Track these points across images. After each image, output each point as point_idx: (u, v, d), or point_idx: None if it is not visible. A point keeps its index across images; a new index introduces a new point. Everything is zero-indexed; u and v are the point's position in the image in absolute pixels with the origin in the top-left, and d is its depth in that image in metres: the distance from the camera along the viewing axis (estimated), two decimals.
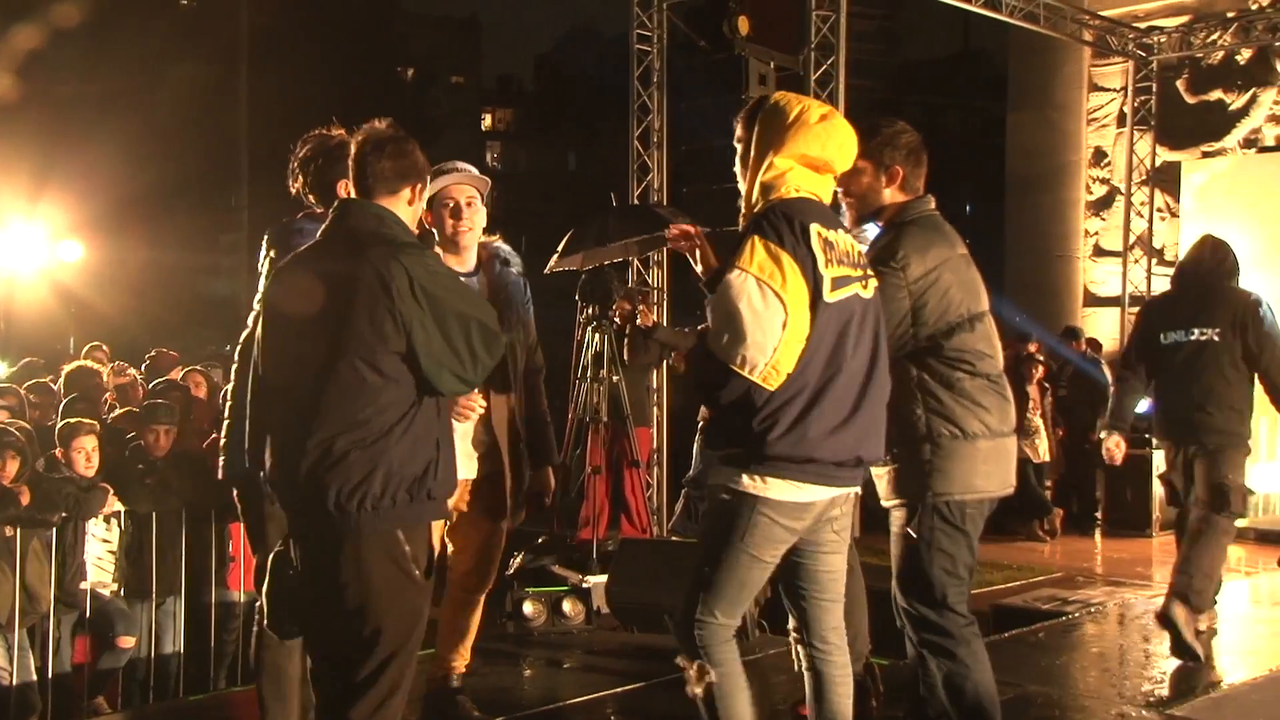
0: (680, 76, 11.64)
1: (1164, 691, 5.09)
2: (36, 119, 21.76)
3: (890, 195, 3.74)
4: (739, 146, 3.41)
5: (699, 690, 3.25)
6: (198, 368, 8.98)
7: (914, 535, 3.64)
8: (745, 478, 3.16)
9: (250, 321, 3.81)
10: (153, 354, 9.75)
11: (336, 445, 3.11)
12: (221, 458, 4.04)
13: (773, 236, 3.14)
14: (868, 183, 3.72)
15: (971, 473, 3.62)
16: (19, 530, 5.77)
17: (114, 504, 6.20)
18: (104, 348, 10.57)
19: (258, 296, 3.72)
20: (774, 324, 3.07)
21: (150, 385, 8.02)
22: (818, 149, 3.29)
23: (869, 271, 3.40)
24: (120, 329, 18.82)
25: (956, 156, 41.12)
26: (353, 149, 3.35)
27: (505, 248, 4.40)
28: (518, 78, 56.91)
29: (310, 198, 3.95)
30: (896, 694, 4.76)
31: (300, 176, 3.95)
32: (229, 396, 4.07)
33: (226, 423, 4.01)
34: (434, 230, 4.19)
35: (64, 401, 7.31)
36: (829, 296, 3.17)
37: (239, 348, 3.93)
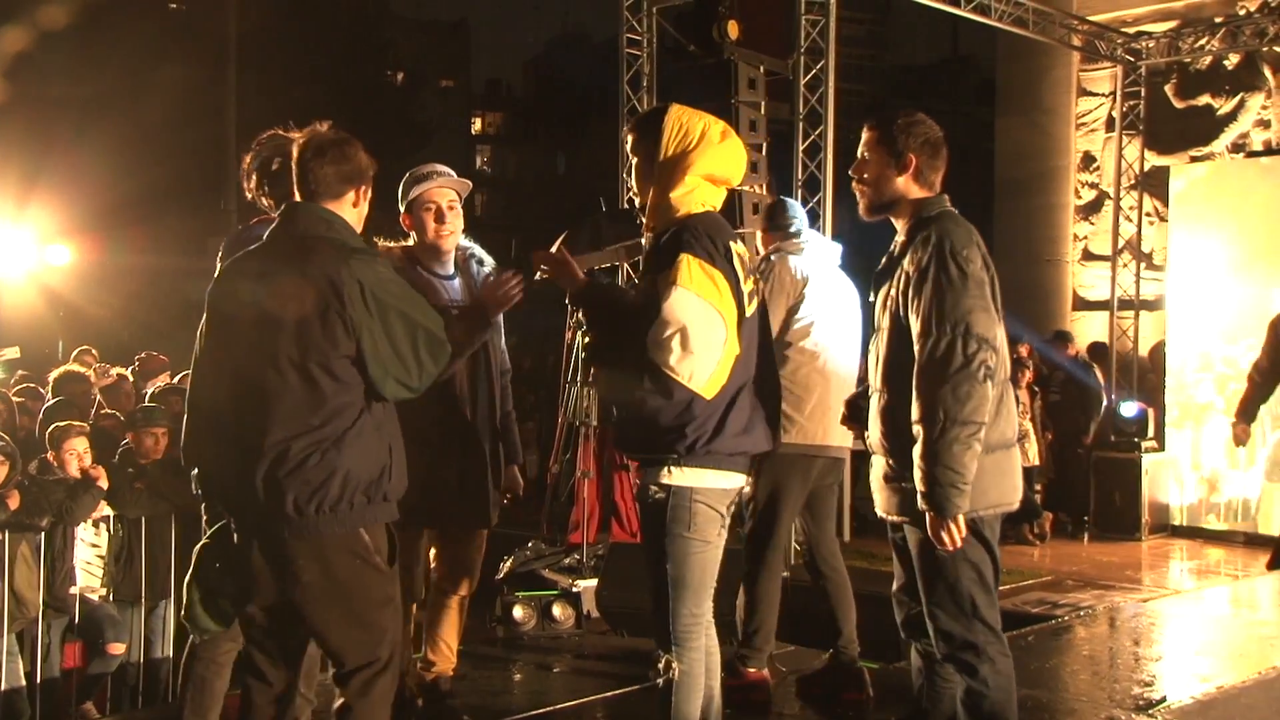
0: (670, 81, 11.65)
1: (1153, 694, 5.11)
2: (24, 122, 21.68)
3: (904, 185, 3.57)
4: (634, 158, 3.59)
5: (660, 682, 3.47)
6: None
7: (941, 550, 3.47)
8: (679, 472, 3.42)
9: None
10: (142, 356, 9.71)
11: (293, 449, 3.14)
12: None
13: (703, 255, 3.36)
14: (879, 170, 3.59)
15: (992, 487, 3.48)
16: (7, 534, 5.76)
17: (103, 508, 6.18)
18: (93, 351, 10.54)
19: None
20: (717, 339, 3.34)
21: (142, 389, 8.00)
22: (720, 166, 3.54)
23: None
24: (109, 332, 18.75)
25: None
26: (294, 153, 3.36)
27: (477, 248, 4.42)
28: (507, 81, 56.92)
29: (265, 201, 3.90)
30: (887, 697, 4.78)
31: (254, 179, 3.91)
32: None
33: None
34: (414, 233, 4.20)
35: (46, 405, 7.27)
36: (748, 312, 3.49)
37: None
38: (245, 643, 3.52)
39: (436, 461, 4.04)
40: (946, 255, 3.38)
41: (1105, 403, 11.92)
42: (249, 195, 3.97)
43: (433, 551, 4.40)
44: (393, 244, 4.32)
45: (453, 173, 4.25)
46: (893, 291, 3.51)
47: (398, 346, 3.21)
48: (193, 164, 25.20)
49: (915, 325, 3.39)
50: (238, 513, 3.33)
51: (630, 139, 3.62)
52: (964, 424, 3.28)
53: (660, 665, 3.46)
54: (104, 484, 6.11)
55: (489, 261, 4.41)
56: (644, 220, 3.57)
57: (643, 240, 3.85)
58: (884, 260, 3.64)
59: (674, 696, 3.44)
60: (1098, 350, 13.00)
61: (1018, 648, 5.98)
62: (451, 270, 4.25)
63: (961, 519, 3.36)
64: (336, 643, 3.29)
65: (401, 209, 4.24)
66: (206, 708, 3.99)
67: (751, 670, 4.73)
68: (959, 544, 3.37)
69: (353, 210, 3.38)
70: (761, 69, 9.87)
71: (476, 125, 53.27)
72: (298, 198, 3.36)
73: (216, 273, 3.74)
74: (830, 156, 10.29)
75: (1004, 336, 3.52)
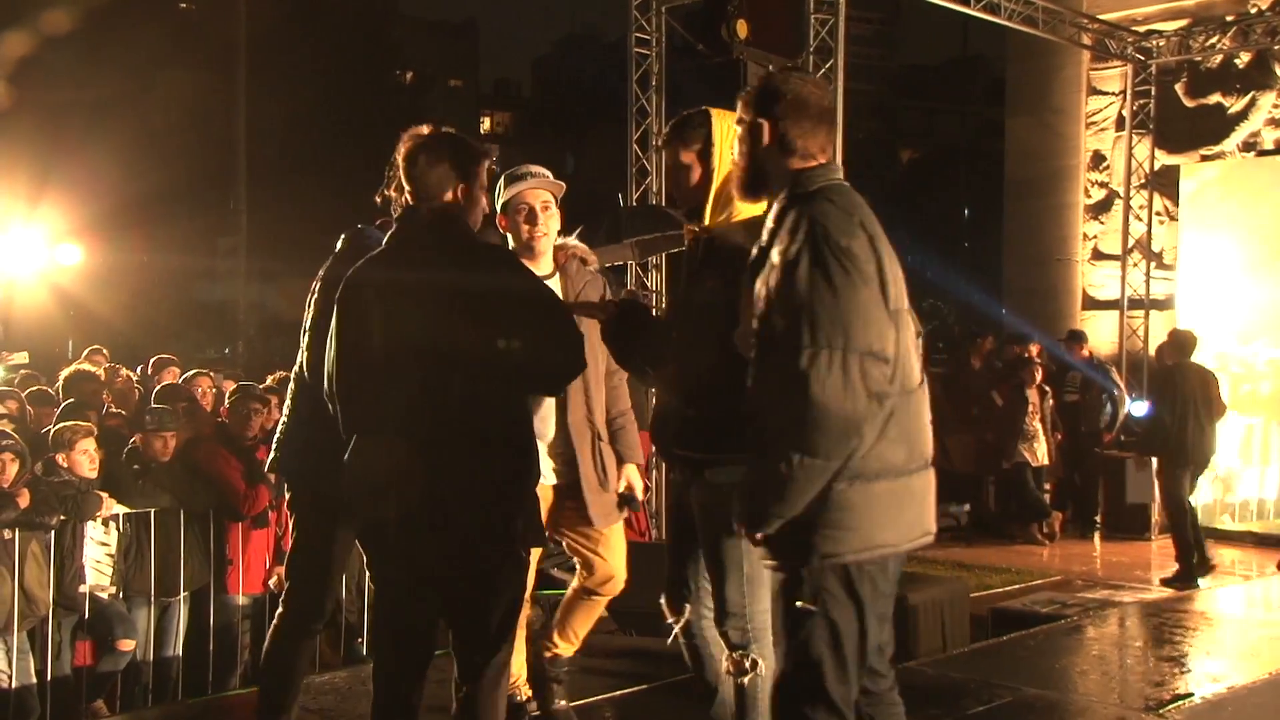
0: (679, 80, 11.64)
1: (1163, 695, 5.10)
2: (34, 123, 21.76)
3: (768, 157, 3.04)
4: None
5: (744, 681, 3.36)
6: (208, 373, 8.98)
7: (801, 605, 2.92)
8: None
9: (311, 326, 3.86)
10: (153, 360, 9.75)
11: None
12: (275, 452, 4.09)
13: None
14: (743, 147, 3.12)
15: (867, 525, 2.86)
16: (17, 533, 5.78)
17: (112, 507, 6.20)
18: (103, 351, 10.58)
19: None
20: None
21: (156, 389, 8.04)
22: None
23: None
24: (118, 332, 18.84)
25: (955, 160, 41.21)
26: (401, 154, 3.41)
27: (582, 247, 4.42)
28: (515, 81, 57.06)
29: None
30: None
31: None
32: (290, 398, 4.09)
33: (284, 423, 4.08)
34: (509, 235, 4.24)
35: (62, 406, 7.31)
36: None
37: (304, 354, 3.93)
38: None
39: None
40: (821, 247, 2.81)
41: (1125, 404, 11.88)
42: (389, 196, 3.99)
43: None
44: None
45: (548, 173, 4.27)
46: (763, 289, 2.93)
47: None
48: (202, 164, 25.27)
49: (779, 327, 2.83)
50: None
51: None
52: (814, 459, 2.74)
53: (735, 665, 3.39)
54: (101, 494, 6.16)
55: (593, 260, 4.42)
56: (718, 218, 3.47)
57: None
58: (755, 250, 3.04)
59: (758, 692, 3.33)
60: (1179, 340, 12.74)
61: (1027, 647, 6.00)
62: (550, 270, 4.27)
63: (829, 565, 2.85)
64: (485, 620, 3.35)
65: (496, 209, 4.26)
66: (294, 689, 4.04)
67: None
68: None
69: (462, 204, 3.43)
70: (770, 68, 9.85)
71: (485, 125, 53.37)
72: (409, 200, 3.42)
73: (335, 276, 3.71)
74: (840, 155, 10.26)
75: (909, 338, 2.91)
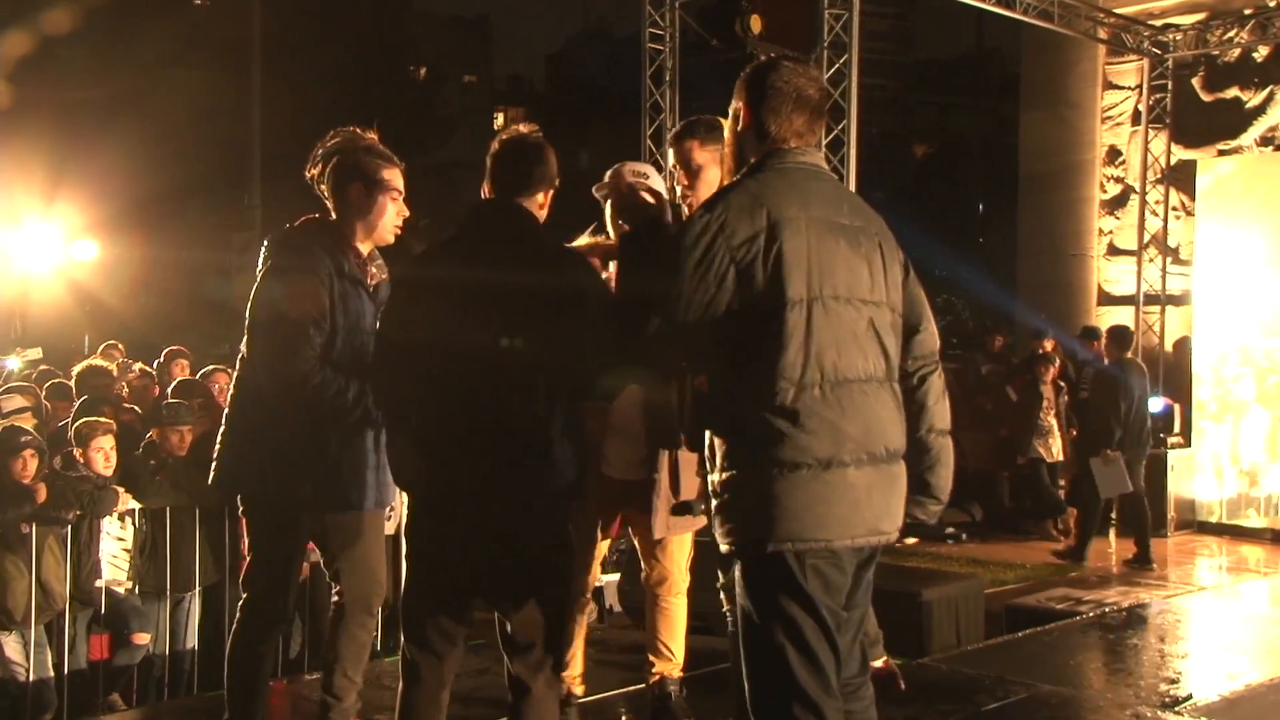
0: (692, 76, 11.63)
1: (1179, 692, 5.08)
2: (50, 119, 21.84)
3: (755, 145, 3.05)
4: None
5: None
6: (225, 369, 8.99)
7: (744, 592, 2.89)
8: None
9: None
10: (165, 351, 9.78)
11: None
12: (216, 465, 3.97)
13: None
14: (729, 134, 3.17)
15: (803, 513, 2.80)
16: (35, 527, 5.81)
17: (128, 502, 6.23)
18: (119, 346, 10.62)
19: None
20: None
21: (171, 384, 8.06)
22: None
23: None
24: (134, 327, 18.88)
25: (969, 155, 41.06)
26: (494, 148, 3.46)
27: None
28: (529, 77, 57.02)
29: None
30: (917, 693, 4.77)
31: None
32: (230, 405, 4.03)
33: (223, 431, 3.98)
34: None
35: (80, 401, 7.33)
36: None
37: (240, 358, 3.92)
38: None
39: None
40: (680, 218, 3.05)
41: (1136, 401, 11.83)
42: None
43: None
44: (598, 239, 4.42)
45: (651, 172, 4.32)
46: None
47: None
48: (217, 160, 25.35)
49: None
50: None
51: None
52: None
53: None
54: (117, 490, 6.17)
55: None
56: None
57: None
58: None
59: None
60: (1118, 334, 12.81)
61: (1041, 643, 5.99)
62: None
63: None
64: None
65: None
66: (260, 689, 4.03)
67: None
68: None
69: (539, 211, 3.46)
70: None
71: (499, 120, 53.33)
72: (488, 193, 3.45)
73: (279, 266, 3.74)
74: (854, 151, 10.25)
75: (844, 329, 2.87)
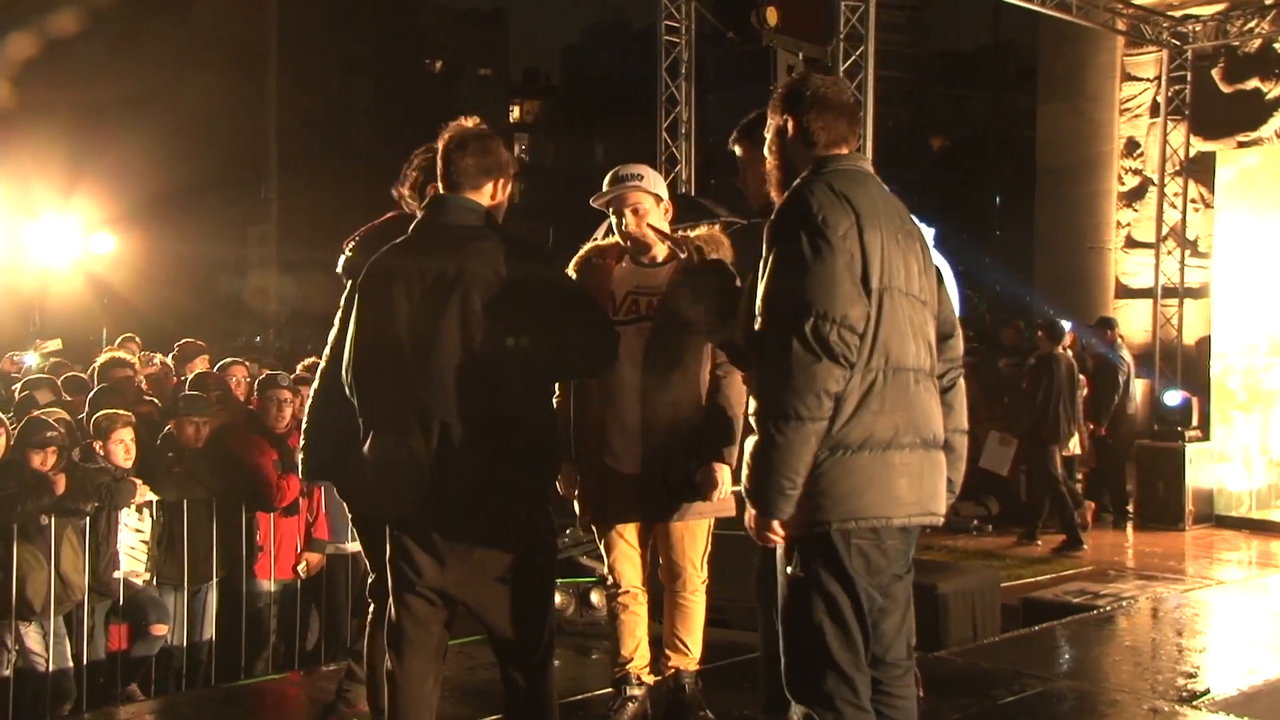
0: (708, 68, 11.62)
1: (1197, 686, 5.06)
2: (69, 114, 21.98)
3: (805, 152, 3.23)
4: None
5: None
6: (243, 361, 9.03)
7: (790, 571, 3.07)
8: None
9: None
10: (180, 344, 9.81)
11: None
12: (303, 458, 4.03)
13: None
14: (773, 147, 3.32)
15: (857, 494, 2.98)
16: (53, 519, 5.84)
17: (145, 494, 6.26)
18: (136, 339, 10.66)
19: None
20: None
21: (182, 375, 8.10)
22: None
23: None
24: (151, 320, 19.02)
25: (986, 148, 40.90)
26: (439, 146, 3.47)
27: (710, 236, 4.39)
28: (545, 70, 57.04)
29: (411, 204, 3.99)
30: (934, 688, 4.76)
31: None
32: (313, 398, 4.04)
33: (306, 425, 4.03)
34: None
35: (93, 392, 7.37)
36: None
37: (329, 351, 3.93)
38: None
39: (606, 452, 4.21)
40: (793, 217, 3.06)
41: (1121, 388, 11.80)
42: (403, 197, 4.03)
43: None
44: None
45: (643, 174, 4.29)
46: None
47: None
48: (233, 154, 25.47)
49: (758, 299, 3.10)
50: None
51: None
52: (789, 420, 2.89)
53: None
54: (135, 481, 6.20)
55: (716, 249, 4.36)
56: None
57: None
58: None
59: None
60: (1048, 326, 12.78)
61: (1058, 637, 5.97)
62: (661, 258, 4.32)
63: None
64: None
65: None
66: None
67: None
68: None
69: (490, 202, 3.47)
70: (800, 55, 9.82)
71: (514, 114, 53.35)
72: (440, 188, 3.48)
73: (356, 264, 3.75)
74: (870, 143, 10.22)
75: (903, 319, 3.05)
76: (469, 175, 3.42)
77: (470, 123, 3.51)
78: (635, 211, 4.26)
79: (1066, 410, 10.07)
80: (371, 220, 4.17)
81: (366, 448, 3.36)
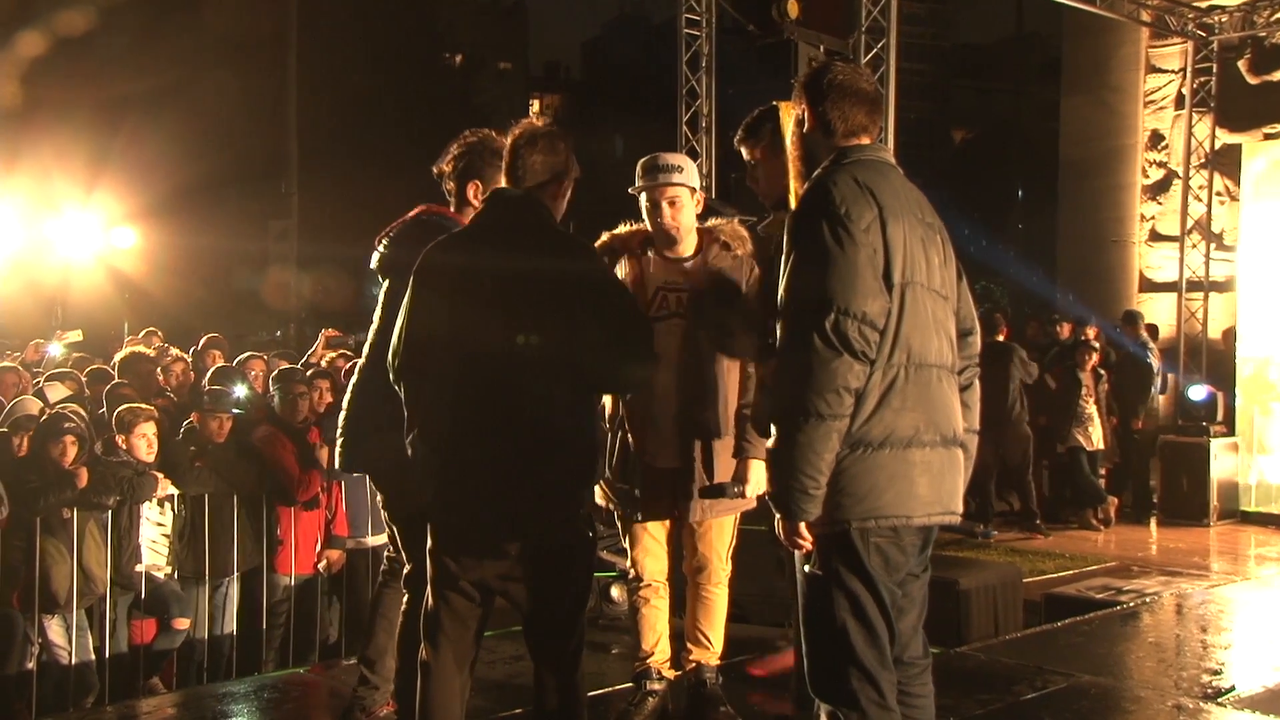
0: (729, 61, 11.57)
1: (1222, 682, 5.03)
2: (90, 110, 22.10)
3: (824, 142, 3.21)
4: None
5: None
6: (261, 355, 9.06)
7: (809, 569, 3.06)
8: None
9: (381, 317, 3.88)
10: (203, 339, 9.87)
11: None
12: (342, 449, 4.04)
13: None
14: (794, 137, 3.33)
15: (877, 492, 2.97)
16: (76, 512, 5.89)
17: (167, 488, 6.29)
18: (158, 333, 10.73)
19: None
20: None
21: (210, 371, 8.13)
22: None
23: None
24: (172, 314, 19.08)
25: (1009, 141, 40.71)
26: (508, 141, 3.47)
27: (731, 229, 4.41)
28: (565, 64, 57.05)
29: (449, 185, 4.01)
30: (952, 683, 4.75)
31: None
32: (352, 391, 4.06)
33: (345, 418, 4.03)
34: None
35: (109, 386, 7.39)
36: None
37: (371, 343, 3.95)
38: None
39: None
40: (816, 210, 3.01)
41: (1159, 384, 11.72)
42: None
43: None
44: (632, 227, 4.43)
45: (681, 165, 4.30)
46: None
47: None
48: (254, 148, 25.55)
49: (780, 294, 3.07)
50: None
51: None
52: (810, 418, 2.86)
53: None
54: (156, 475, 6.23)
55: (740, 244, 4.36)
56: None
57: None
58: None
59: None
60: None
61: (1081, 633, 5.94)
62: (689, 252, 4.33)
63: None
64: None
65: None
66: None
67: None
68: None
69: (552, 203, 3.46)
70: (822, 48, 9.77)
71: (535, 107, 53.40)
72: (504, 184, 3.46)
73: (392, 259, 3.78)
74: (891, 136, 10.18)
75: (926, 315, 3.03)
76: (535, 173, 3.41)
77: (541, 121, 3.51)
78: (673, 204, 4.26)
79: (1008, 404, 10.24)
80: (393, 215, 4.18)
81: (410, 440, 3.36)
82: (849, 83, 3.15)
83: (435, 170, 4.02)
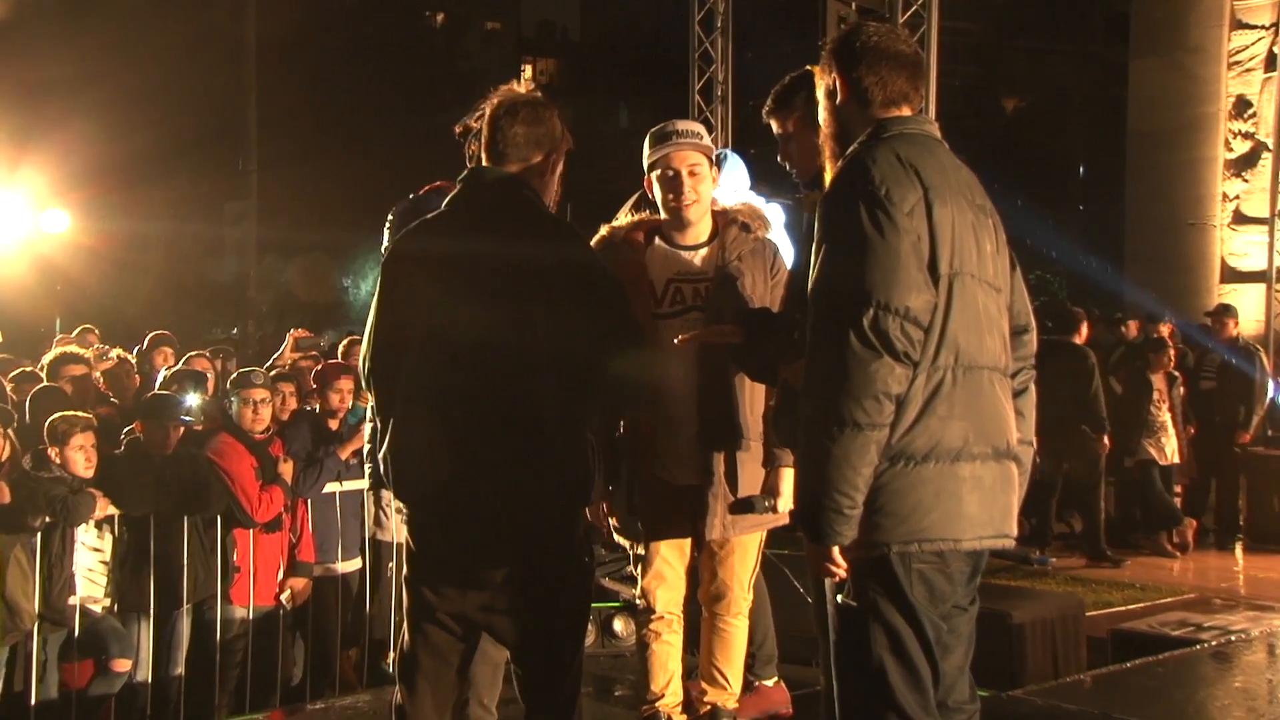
0: (747, 21, 11.57)
1: None
2: (17, 70, 22.03)
3: (861, 114, 3.20)
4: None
5: None
6: (204, 354, 9.06)
7: (842, 600, 3.03)
8: None
9: None
10: (149, 337, 9.89)
11: None
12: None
13: None
14: (826, 109, 3.30)
15: (921, 511, 2.94)
16: None
17: (107, 508, 6.25)
18: (94, 330, 10.73)
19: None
20: None
21: (151, 373, 8.13)
22: None
23: None
24: (111, 309, 19.10)
25: (1067, 110, 40.72)
26: (485, 112, 3.46)
27: (750, 209, 4.40)
28: (561, 24, 57.05)
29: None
30: None
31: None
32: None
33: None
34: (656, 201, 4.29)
35: (34, 391, 7.34)
36: None
37: None
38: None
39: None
40: (853, 190, 3.00)
41: (1274, 389, 11.66)
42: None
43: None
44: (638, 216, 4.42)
45: (699, 131, 4.30)
46: None
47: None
48: (207, 117, 25.52)
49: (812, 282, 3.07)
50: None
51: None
52: (845, 427, 2.83)
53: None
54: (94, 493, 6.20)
55: (760, 224, 4.38)
56: None
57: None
58: None
59: None
60: None
61: (1155, 675, 5.90)
62: (704, 237, 4.31)
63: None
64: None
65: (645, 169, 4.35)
66: None
67: None
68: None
69: (539, 179, 3.46)
70: (854, 5, 9.77)
71: (527, 73, 53.44)
72: (484, 159, 3.47)
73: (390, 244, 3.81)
74: (933, 104, 10.16)
75: (977, 311, 3.02)
76: (516, 146, 3.41)
77: (523, 88, 3.50)
78: (693, 174, 4.21)
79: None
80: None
81: (385, 448, 3.37)
82: (886, 45, 3.13)
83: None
